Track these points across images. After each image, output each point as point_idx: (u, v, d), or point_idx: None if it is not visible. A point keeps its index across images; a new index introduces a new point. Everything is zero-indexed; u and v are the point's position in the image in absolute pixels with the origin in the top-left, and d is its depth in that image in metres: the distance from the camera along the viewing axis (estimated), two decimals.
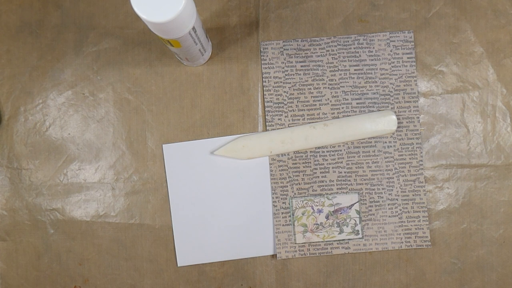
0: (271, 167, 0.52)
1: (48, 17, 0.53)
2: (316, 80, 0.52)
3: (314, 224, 0.52)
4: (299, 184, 0.52)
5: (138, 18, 0.53)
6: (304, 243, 0.52)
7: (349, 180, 0.52)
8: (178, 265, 0.52)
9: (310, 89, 0.52)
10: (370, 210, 0.52)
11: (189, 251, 0.52)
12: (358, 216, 0.52)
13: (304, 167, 0.52)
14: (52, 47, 0.53)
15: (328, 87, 0.52)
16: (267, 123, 0.52)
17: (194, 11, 0.40)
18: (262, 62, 0.52)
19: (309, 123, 0.52)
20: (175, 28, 0.39)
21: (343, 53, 0.52)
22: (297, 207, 0.52)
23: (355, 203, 0.52)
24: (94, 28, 0.53)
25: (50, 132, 0.53)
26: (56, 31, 0.53)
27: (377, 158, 0.52)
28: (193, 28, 0.41)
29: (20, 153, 0.52)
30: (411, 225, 0.51)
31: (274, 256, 0.52)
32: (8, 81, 0.53)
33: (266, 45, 0.52)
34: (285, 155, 0.52)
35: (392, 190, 0.52)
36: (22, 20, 0.53)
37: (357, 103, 0.52)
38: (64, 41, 0.53)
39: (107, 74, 0.53)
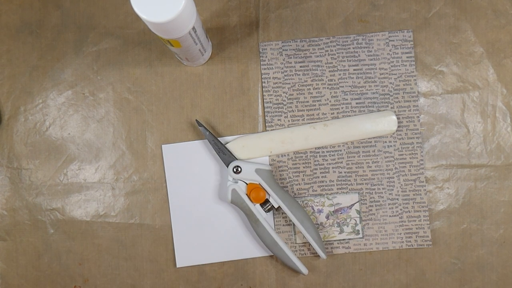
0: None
1: (48, 17, 0.53)
2: (316, 81, 0.52)
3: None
4: (299, 184, 0.52)
5: (138, 18, 0.53)
6: (304, 243, 0.52)
7: (349, 180, 0.52)
8: (177, 266, 0.52)
9: (309, 89, 0.52)
10: (371, 210, 0.52)
11: (189, 251, 0.52)
12: (358, 216, 0.52)
13: (304, 167, 0.52)
14: (52, 47, 0.53)
15: (328, 87, 0.52)
16: (266, 124, 0.52)
17: (194, 11, 0.40)
18: (262, 63, 0.52)
19: (309, 123, 0.52)
20: (175, 28, 0.39)
21: (342, 53, 0.52)
22: None
23: (355, 203, 0.52)
24: (94, 28, 0.53)
25: (50, 132, 0.53)
26: (56, 31, 0.53)
27: (377, 158, 0.52)
28: (193, 28, 0.41)
29: (20, 153, 0.52)
30: (411, 225, 0.51)
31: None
32: (8, 81, 0.53)
33: (265, 46, 0.52)
34: (285, 155, 0.52)
35: (392, 189, 0.52)
36: (22, 20, 0.53)
37: (356, 103, 0.52)
38: (64, 41, 0.53)
39: (107, 74, 0.53)
